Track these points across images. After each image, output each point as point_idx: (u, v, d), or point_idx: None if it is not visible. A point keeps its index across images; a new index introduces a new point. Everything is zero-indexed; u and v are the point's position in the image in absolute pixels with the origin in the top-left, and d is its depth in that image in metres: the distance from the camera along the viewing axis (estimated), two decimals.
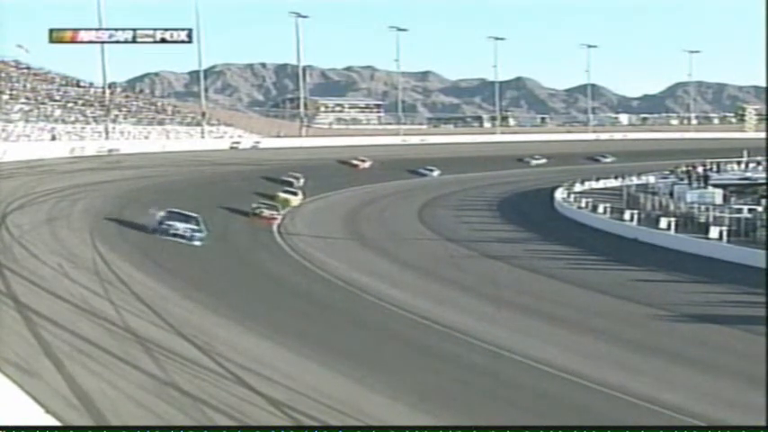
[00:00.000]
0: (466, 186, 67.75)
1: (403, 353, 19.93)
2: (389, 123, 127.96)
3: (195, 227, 34.67)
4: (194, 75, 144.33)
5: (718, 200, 49.33)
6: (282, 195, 51.95)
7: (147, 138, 79.66)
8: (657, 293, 29.16)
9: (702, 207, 45.61)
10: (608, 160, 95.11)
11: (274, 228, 41.50)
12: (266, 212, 43.59)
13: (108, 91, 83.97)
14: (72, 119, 75.91)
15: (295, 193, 53.76)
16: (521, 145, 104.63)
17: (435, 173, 77.70)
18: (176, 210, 36.05)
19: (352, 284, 27.86)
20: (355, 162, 77.48)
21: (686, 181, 60.23)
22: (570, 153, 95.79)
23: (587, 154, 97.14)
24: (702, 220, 43.11)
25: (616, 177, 69.59)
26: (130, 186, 49.94)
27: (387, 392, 15.36)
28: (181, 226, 34.20)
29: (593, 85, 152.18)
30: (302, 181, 60.44)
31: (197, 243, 33.54)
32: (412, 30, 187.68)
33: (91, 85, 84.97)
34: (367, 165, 77.30)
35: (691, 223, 43.31)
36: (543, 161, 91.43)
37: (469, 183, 70.65)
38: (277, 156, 76.43)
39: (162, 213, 35.26)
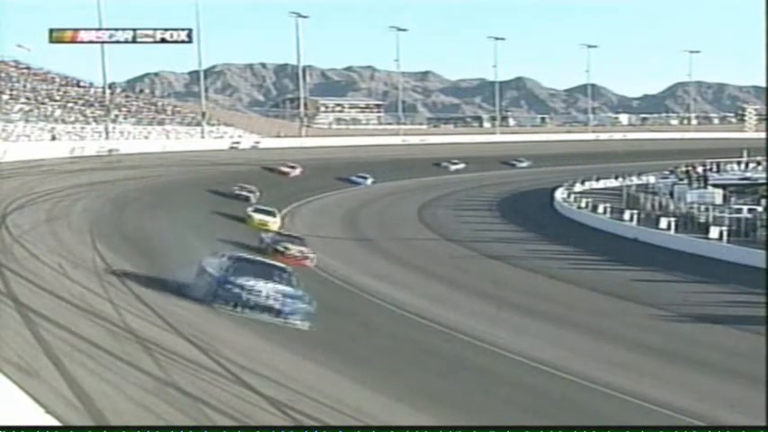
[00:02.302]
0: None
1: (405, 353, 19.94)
2: (389, 123, 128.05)
3: (290, 290, 20.11)
4: (194, 75, 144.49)
5: (718, 200, 49.40)
6: (257, 217, 41.60)
7: (147, 138, 79.80)
8: (657, 293, 29.19)
9: (702, 207, 45.68)
10: (523, 165, 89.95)
11: (316, 270, 30.34)
12: (293, 249, 31.32)
13: (108, 91, 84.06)
14: (72, 119, 76.00)
15: (271, 213, 42.58)
16: (519, 145, 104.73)
17: (369, 180, 69.17)
18: (249, 256, 23.64)
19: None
20: (284, 169, 68.34)
21: (686, 181, 60.31)
22: (489, 156, 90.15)
23: (503, 157, 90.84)
24: (702, 220, 43.19)
25: (616, 177, 69.62)
26: (131, 186, 49.96)
27: (388, 392, 15.36)
28: (265, 288, 19.76)
29: (593, 85, 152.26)
30: (257, 195, 51.34)
31: (299, 323, 19.38)
32: (412, 30, 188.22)
33: (91, 85, 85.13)
34: (297, 171, 68.52)
35: (691, 223, 43.39)
36: (462, 166, 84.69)
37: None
38: (276, 156, 76.22)
39: (224, 258, 21.70)
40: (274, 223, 41.15)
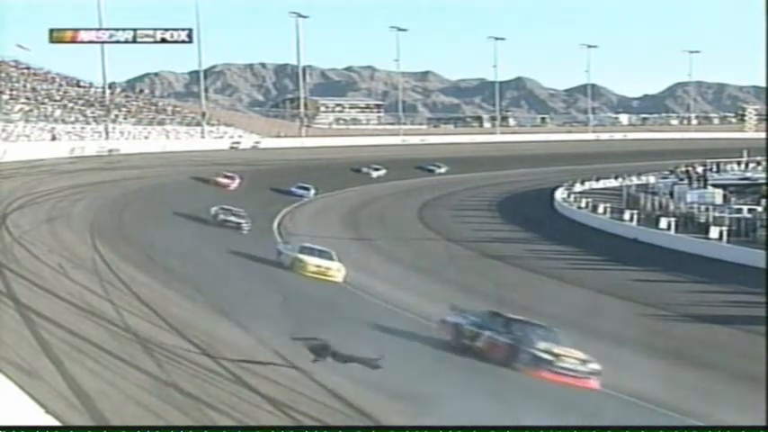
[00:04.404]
0: None
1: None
2: (389, 123, 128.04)
3: None
4: (194, 75, 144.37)
5: (718, 200, 49.43)
6: (311, 262, 29.30)
7: (147, 138, 79.85)
8: (657, 293, 29.18)
9: (702, 207, 45.71)
10: (442, 170, 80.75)
11: None
12: (567, 358, 18.20)
13: (108, 91, 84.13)
14: (72, 119, 76.08)
15: (327, 255, 29.99)
16: (519, 145, 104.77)
17: (311, 192, 58.43)
18: None
19: None
20: (222, 180, 57.64)
21: (686, 181, 60.34)
22: (406, 159, 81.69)
23: (418, 162, 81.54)
24: (702, 220, 43.20)
25: (616, 177, 69.63)
26: (131, 187, 49.96)
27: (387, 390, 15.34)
28: None
29: (594, 85, 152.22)
30: (249, 222, 40.28)
31: None
32: (412, 30, 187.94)
33: (91, 85, 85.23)
34: (237, 183, 57.93)
35: (691, 223, 43.38)
36: (383, 172, 74.61)
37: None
38: (276, 156, 75.96)
39: None
40: (338, 270, 29.21)
